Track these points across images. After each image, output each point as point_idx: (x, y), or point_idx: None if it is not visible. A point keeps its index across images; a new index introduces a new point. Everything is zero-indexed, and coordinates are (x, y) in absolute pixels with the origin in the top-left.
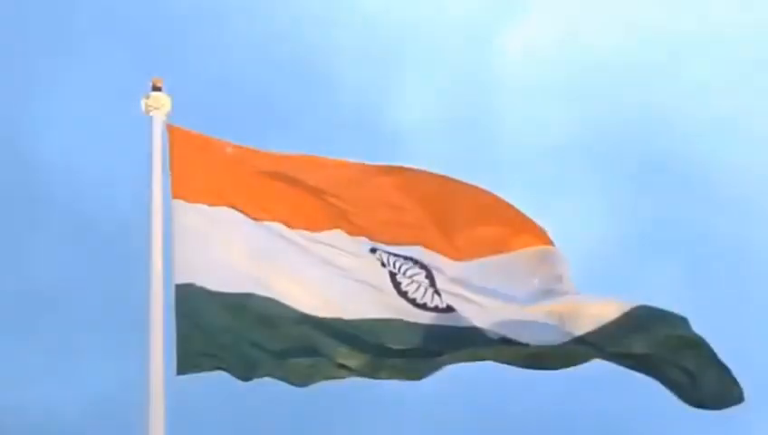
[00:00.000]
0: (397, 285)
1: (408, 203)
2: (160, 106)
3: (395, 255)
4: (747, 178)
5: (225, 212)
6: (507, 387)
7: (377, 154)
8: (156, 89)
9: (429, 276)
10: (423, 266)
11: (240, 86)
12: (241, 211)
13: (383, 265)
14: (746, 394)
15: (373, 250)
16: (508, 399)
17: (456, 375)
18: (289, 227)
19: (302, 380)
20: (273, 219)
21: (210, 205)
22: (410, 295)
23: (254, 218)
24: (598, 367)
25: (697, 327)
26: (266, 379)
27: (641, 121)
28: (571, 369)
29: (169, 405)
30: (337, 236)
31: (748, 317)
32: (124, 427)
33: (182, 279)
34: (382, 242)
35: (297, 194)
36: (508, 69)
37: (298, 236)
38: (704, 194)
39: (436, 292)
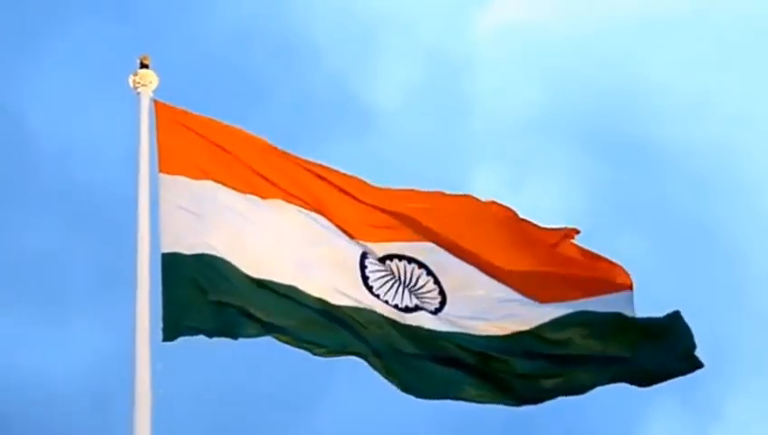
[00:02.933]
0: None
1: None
2: (148, 83)
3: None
4: (715, 155)
5: (209, 185)
6: None
7: (354, 131)
8: (143, 66)
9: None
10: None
11: (224, 64)
12: (224, 184)
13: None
14: (710, 365)
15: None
16: None
17: None
18: (273, 198)
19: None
20: (256, 192)
21: (195, 178)
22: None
23: (238, 190)
24: None
25: (667, 300)
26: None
27: (612, 99)
28: None
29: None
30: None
31: (714, 288)
32: (112, 391)
33: (168, 248)
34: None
35: (288, 169)
36: (481, 49)
37: (291, 208)
38: (674, 170)
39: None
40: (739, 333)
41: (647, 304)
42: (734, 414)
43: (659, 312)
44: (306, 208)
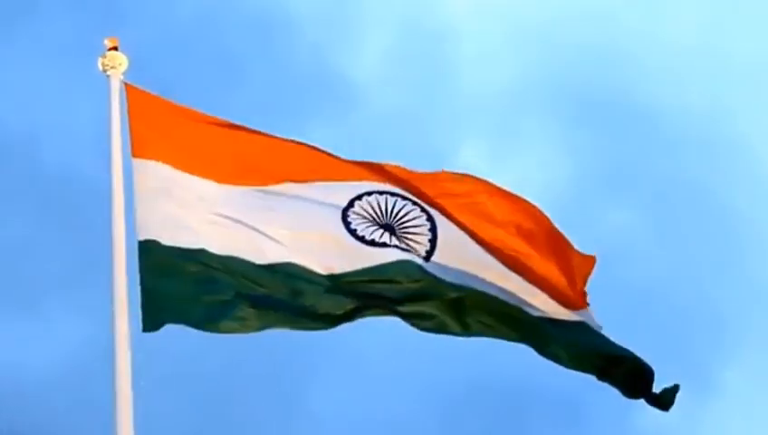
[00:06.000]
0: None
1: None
2: (117, 65)
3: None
4: (703, 118)
5: (184, 171)
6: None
7: (334, 105)
8: (112, 48)
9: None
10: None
11: (197, 42)
12: (197, 173)
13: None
14: (708, 337)
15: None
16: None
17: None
18: (248, 185)
19: (255, 328)
20: (230, 181)
21: (168, 163)
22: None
23: (212, 179)
24: None
25: (658, 266)
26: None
27: (596, 64)
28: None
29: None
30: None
31: (707, 256)
32: (91, 385)
33: (144, 235)
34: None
35: (256, 151)
36: (459, 19)
37: (256, 192)
38: (661, 135)
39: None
40: (736, 304)
41: (638, 276)
42: (734, 387)
43: (649, 279)
44: (280, 183)
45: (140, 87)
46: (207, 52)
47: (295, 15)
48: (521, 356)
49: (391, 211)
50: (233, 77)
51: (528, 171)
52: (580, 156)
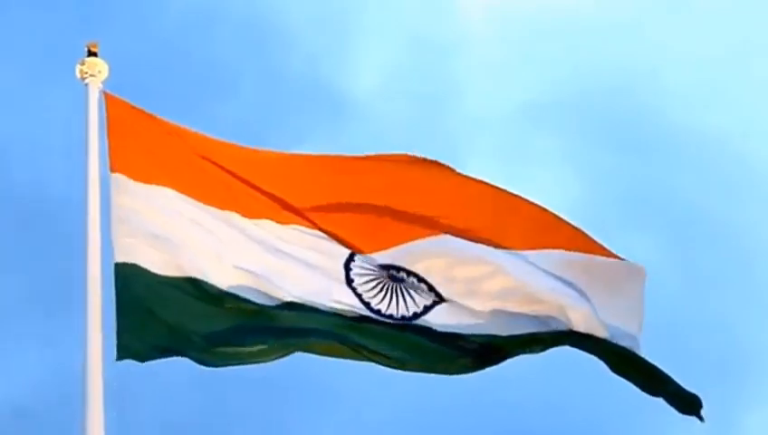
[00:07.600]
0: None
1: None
2: (96, 72)
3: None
4: (721, 141)
5: (166, 191)
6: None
7: (331, 121)
8: (91, 54)
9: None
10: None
11: (183, 50)
12: (182, 192)
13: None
14: (730, 373)
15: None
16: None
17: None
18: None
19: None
20: (217, 204)
21: (149, 182)
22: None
23: (198, 200)
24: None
25: (677, 297)
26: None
27: (613, 81)
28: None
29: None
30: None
31: (730, 289)
32: (60, 415)
33: (122, 258)
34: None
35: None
36: (468, 31)
37: (248, 223)
38: (677, 157)
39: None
40: (761, 343)
41: (657, 307)
42: (758, 427)
43: (671, 315)
44: (269, 219)
45: (121, 97)
46: (195, 60)
47: (291, 23)
48: (529, 369)
49: None
50: (222, 88)
51: (540, 193)
52: (598, 178)
